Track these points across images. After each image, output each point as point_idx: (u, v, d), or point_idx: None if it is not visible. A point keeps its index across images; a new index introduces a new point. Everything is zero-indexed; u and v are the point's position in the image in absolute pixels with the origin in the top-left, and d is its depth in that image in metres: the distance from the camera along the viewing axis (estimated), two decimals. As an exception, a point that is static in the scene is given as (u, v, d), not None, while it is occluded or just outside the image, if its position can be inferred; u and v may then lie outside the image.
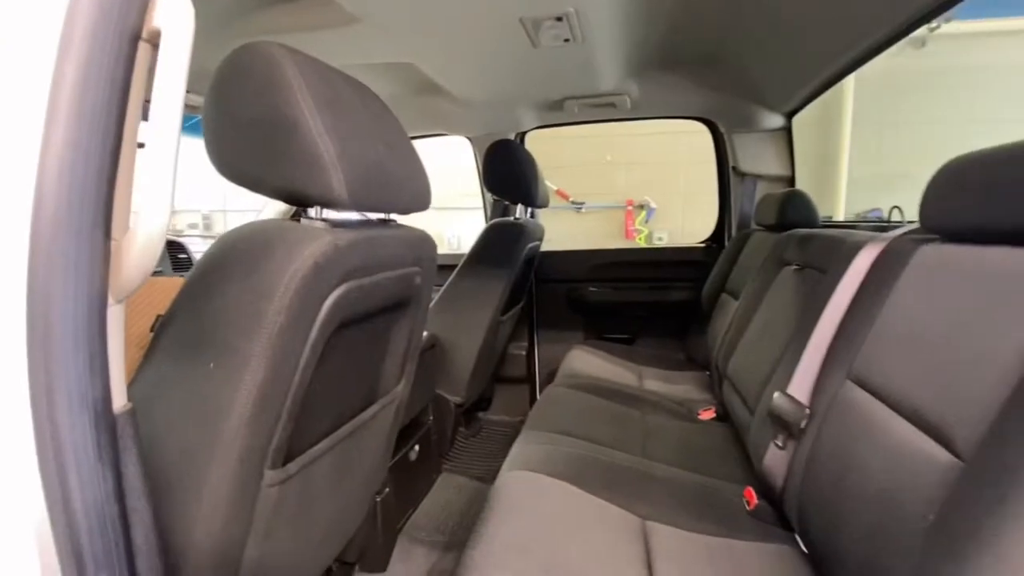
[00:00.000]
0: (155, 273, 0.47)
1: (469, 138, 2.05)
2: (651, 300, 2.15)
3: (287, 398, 0.61)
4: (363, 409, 0.87)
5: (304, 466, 0.71)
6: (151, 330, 0.84)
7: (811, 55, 1.40)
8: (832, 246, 1.09)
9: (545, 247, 2.17)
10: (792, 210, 1.51)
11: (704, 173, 3.93)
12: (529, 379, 2.24)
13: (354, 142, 0.63)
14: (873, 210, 3.67)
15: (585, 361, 1.83)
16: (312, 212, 0.65)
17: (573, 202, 3.96)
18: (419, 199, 0.83)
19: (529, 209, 2.08)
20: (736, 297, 1.70)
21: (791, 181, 1.90)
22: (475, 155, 2.06)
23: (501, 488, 0.96)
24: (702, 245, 2.16)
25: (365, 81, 0.76)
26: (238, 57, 0.60)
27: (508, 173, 1.61)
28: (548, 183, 4.04)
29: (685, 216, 3.88)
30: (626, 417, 1.37)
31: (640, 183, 3.88)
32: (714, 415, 1.48)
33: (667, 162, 3.83)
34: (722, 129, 1.97)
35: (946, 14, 1.08)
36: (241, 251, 0.59)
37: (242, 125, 0.60)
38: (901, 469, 0.63)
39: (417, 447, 1.49)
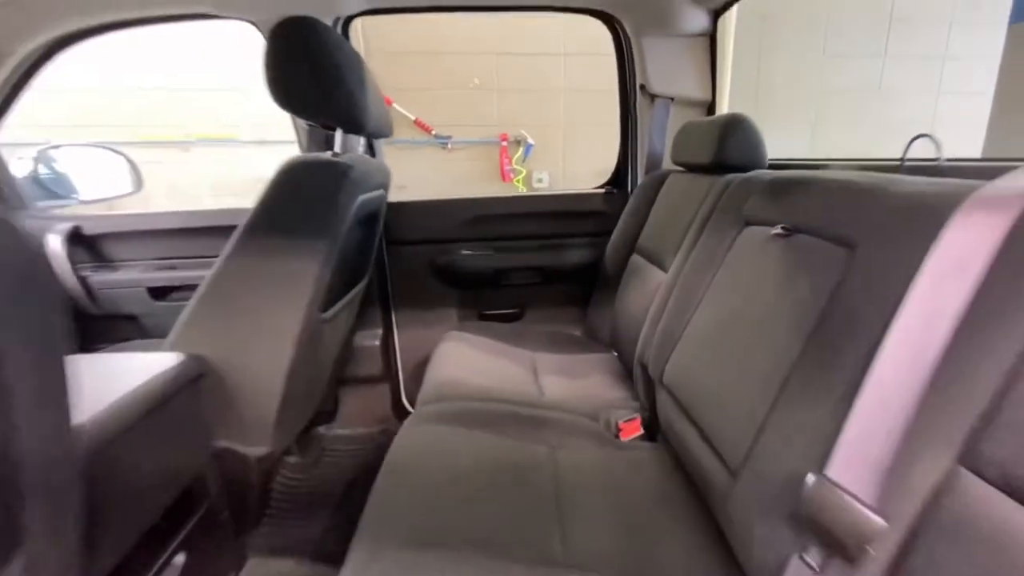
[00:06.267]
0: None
1: (254, 23, 1.28)
2: (542, 264, 1.68)
3: None
4: None
5: None
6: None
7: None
8: (860, 199, 0.66)
9: (400, 196, 1.55)
10: (736, 145, 1.09)
11: (586, 102, 3.50)
12: (389, 377, 1.67)
13: None
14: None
15: (461, 357, 1.31)
16: None
17: (437, 136, 3.27)
18: None
19: (363, 141, 1.43)
20: (655, 262, 1.29)
21: (712, 108, 1.49)
22: (268, 49, 1.30)
23: None
24: (601, 191, 1.72)
25: None
26: None
27: (308, 74, 0.93)
28: (402, 110, 3.29)
29: (566, 154, 3.44)
30: (528, 468, 0.89)
31: (514, 114, 3.32)
32: (640, 430, 1.08)
33: (544, 88, 3.31)
34: (628, 30, 1.47)
35: None
36: None
37: None
38: None
39: (183, 556, 0.87)
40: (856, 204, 0.65)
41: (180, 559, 0.86)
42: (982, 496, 0.40)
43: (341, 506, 1.29)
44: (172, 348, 0.92)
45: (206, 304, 0.93)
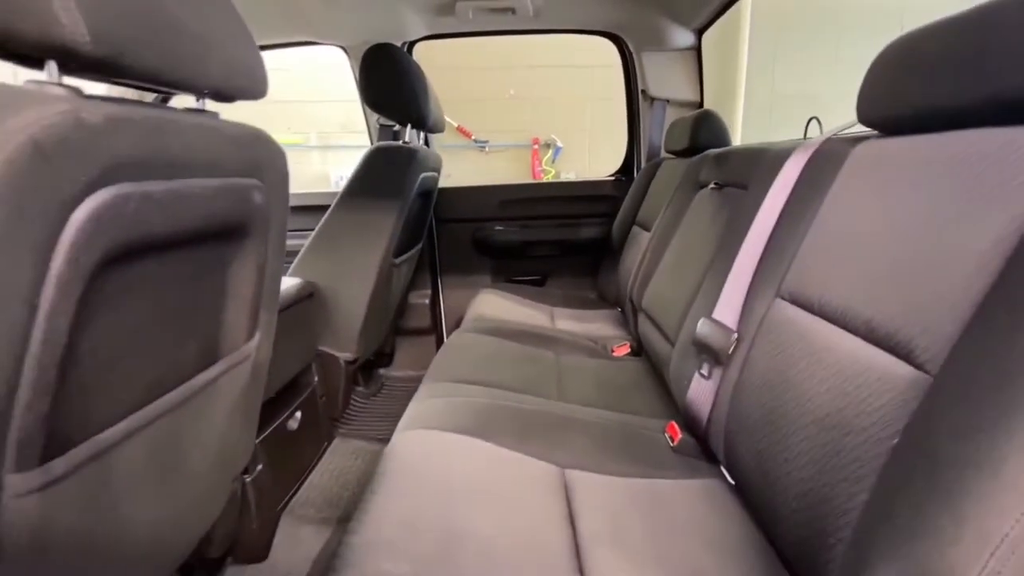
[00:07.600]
0: None
1: (344, 48, 1.71)
2: (561, 238, 2.03)
3: (22, 365, 0.39)
4: (196, 373, 0.65)
5: (89, 459, 0.49)
6: None
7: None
8: (754, 159, 1.00)
9: (445, 183, 1.94)
10: (704, 132, 1.42)
11: (609, 110, 3.85)
12: (434, 329, 2.06)
13: None
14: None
15: (494, 304, 1.68)
16: (45, 74, 0.41)
17: (476, 140, 3.69)
18: (244, 78, 0.60)
19: (422, 135, 1.83)
20: (648, 229, 1.62)
21: (700, 106, 1.82)
22: (353, 70, 1.73)
23: (393, 452, 0.80)
24: (611, 178, 2.06)
25: None
26: None
27: (392, 85, 1.33)
28: (446, 117, 3.73)
29: (591, 155, 3.79)
30: (538, 358, 1.24)
31: (545, 120, 3.70)
32: (629, 351, 1.41)
33: (572, 97, 3.68)
34: (631, 47, 1.82)
35: None
36: None
37: None
38: (851, 389, 0.55)
39: (299, 413, 1.26)
40: (752, 161, 0.99)
41: (298, 415, 1.26)
42: (782, 309, 0.73)
43: (399, 415, 1.67)
44: (291, 275, 1.33)
45: (316, 245, 1.34)
